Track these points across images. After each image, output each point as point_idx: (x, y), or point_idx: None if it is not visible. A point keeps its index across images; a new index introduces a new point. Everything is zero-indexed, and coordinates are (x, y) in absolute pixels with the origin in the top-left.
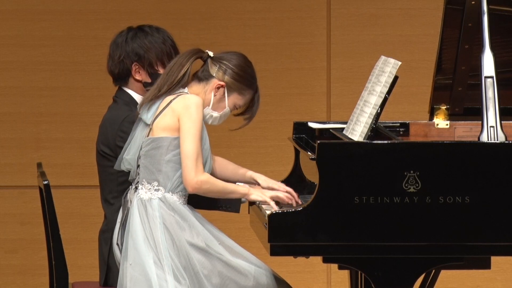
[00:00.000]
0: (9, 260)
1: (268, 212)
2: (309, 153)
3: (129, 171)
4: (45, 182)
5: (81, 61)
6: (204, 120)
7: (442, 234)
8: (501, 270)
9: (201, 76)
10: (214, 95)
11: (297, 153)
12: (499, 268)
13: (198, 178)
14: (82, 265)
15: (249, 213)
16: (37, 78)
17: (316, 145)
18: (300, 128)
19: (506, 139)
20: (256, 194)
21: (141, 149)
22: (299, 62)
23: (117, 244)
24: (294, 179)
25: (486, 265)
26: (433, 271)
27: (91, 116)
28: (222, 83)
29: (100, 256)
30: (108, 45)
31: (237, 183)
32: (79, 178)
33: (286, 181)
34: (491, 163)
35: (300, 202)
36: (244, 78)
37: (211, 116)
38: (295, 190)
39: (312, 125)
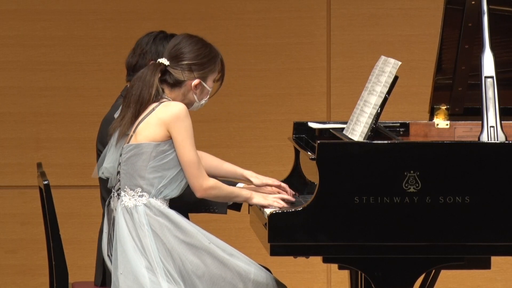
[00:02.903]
0: (9, 260)
1: (268, 212)
2: (309, 153)
3: (108, 178)
4: (45, 182)
5: (81, 61)
6: (196, 110)
7: (442, 234)
8: (501, 270)
9: (172, 83)
10: (195, 93)
11: (297, 153)
12: (499, 268)
13: (206, 184)
14: (82, 265)
15: (249, 213)
16: (37, 78)
17: (316, 145)
18: (300, 128)
19: (506, 139)
20: (258, 199)
21: (120, 155)
22: (299, 62)
23: (108, 255)
24: (294, 179)
25: (486, 265)
26: (433, 271)
27: (91, 116)
28: (197, 81)
29: (98, 256)
30: (108, 45)
31: (237, 185)
32: (79, 178)
33: (286, 181)
34: (491, 163)
35: (293, 193)
36: (208, 60)
37: (202, 104)
38: (295, 190)
39: (312, 125)
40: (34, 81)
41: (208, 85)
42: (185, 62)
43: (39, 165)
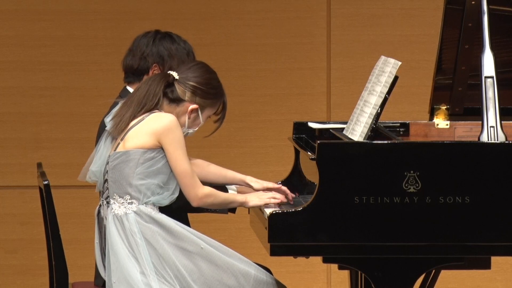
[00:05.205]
0: (9, 260)
1: (268, 212)
2: (309, 153)
3: (95, 182)
4: (45, 182)
5: (81, 61)
6: None
7: (442, 234)
8: (501, 270)
9: (172, 98)
10: (189, 118)
11: (297, 153)
12: (499, 268)
13: (201, 193)
14: (82, 265)
15: (249, 213)
16: (37, 78)
17: (316, 145)
18: (300, 128)
19: (506, 139)
20: (254, 201)
21: (107, 163)
22: (299, 62)
23: (104, 266)
24: (294, 179)
25: (486, 265)
26: (433, 271)
27: (91, 116)
28: (195, 106)
29: None
30: (108, 45)
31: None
32: None
33: (286, 181)
34: (491, 163)
35: (293, 196)
36: (213, 93)
37: (188, 133)
38: (295, 190)
39: (312, 125)
40: (34, 81)
41: (202, 117)
42: (192, 83)
43: (39, 165)
